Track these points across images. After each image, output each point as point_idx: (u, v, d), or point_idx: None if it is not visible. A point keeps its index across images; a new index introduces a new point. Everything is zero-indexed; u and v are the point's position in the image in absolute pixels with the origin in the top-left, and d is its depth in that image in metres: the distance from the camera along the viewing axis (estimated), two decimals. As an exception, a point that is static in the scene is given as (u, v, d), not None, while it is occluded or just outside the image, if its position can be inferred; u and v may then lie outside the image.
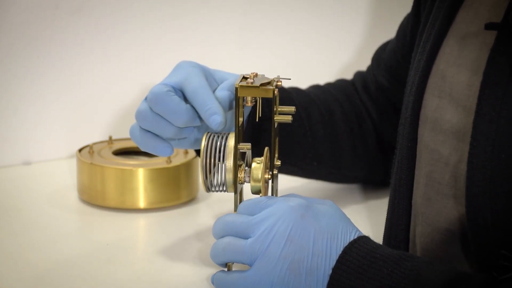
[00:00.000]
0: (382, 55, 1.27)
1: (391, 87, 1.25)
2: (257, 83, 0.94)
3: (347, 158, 1.26)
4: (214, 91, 1.02)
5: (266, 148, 0.98)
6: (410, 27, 1.18)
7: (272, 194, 0.99)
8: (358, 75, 1.31)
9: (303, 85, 1.33)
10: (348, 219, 0.91)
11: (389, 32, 1.31)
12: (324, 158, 1.24)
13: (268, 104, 1.08)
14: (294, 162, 1.22)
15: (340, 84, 1.31)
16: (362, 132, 1.27)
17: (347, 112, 1.26)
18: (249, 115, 1.11)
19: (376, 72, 1.27)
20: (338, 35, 1.64)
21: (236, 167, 0.94)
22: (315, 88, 1.28)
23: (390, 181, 1.31)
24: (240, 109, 0.95)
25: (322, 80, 1.36)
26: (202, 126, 1.04)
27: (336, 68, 1.62)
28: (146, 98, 1.01)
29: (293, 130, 1.18)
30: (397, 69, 1.23)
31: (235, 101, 0.94)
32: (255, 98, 0.97)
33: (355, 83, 1.30)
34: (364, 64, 1.36)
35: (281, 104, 0.98)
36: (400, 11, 1.30)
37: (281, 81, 0.95)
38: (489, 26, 0.92)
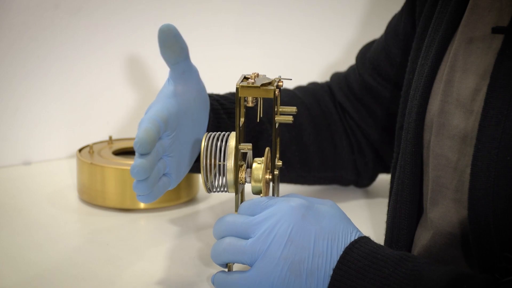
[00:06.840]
0: (367, 54, 1.27)
1: (378, 86, 1.24)
2: (258, 84, 0.93)
3: (315, 160, 1.26)
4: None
5: (267, 149, 0.97)
6: (403, 26, 1.17)
7: (273, 195, 0.99)
8: (336, 76, 1.31)
9: (300, 84, 1.33)
10: (349, 220, 0.91)
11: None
12: (292, 161, 1.24)
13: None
14: None
15: (310, 87, 1.30)
16: (331, 134, 1.27)
17: (314, 114, 1.26)
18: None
19: (362, 71, 1.26)
20: (334, 33, 1.64)
21: (237, 167, 0.94)
22: (281, 92, 1.27)
23: (363, 183, 1.31)
24: (242, 109, 0.94)
25: (317, 79, 1.36)
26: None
27: (331, 66, 1.62)
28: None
29: (258, 135, 1.16)
30: (385, 68, 1.23)
31: (236, 101, 0.94)
32: (256, 98, 0.96)
33: (330, 85, 1.30)
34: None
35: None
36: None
37: (282, 82, 0.95)
38: (496, 30, 0.92)
